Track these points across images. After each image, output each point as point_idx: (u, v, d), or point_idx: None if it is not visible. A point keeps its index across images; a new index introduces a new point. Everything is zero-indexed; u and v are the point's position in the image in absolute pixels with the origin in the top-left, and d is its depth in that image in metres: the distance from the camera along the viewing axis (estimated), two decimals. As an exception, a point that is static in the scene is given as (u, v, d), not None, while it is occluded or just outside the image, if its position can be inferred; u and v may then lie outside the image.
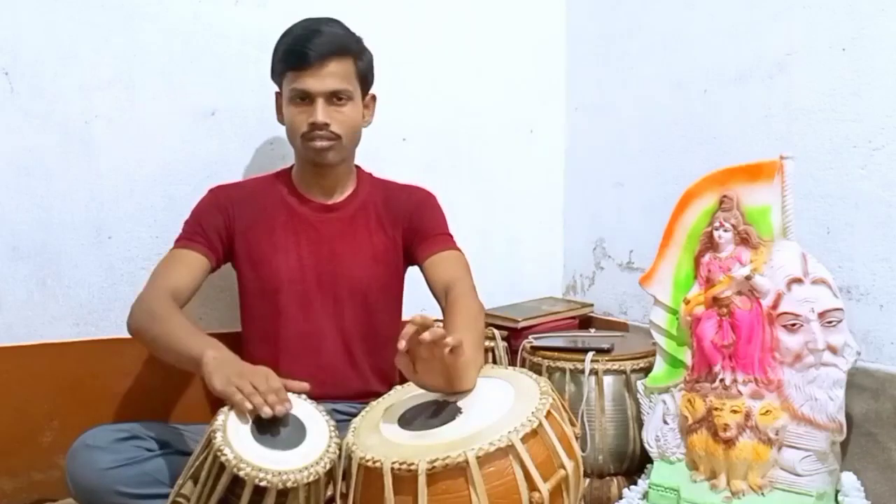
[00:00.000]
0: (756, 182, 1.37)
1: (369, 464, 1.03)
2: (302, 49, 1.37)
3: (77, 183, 1.64)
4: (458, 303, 1.35)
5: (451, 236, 1.53)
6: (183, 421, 1.59)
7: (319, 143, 1.41)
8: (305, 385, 1.17)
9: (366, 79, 1.47)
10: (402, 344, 1.07)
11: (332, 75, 1.39)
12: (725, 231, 1.40)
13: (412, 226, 1.52)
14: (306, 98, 1.40)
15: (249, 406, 1.08)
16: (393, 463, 1.00)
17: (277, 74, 1.45)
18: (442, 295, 1.41)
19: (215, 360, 1.15)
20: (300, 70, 1.38)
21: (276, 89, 1.49)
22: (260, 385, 1.11)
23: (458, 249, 1.51)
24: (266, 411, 1.08)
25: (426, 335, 1.06)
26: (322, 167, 1.47)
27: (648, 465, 1.48)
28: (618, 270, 1.98)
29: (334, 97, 1.40)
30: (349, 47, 1.42)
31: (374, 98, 1.52)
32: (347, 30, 1.45)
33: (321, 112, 1.39)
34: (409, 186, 1.59)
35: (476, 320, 1.33)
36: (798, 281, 1.31)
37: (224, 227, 1.47)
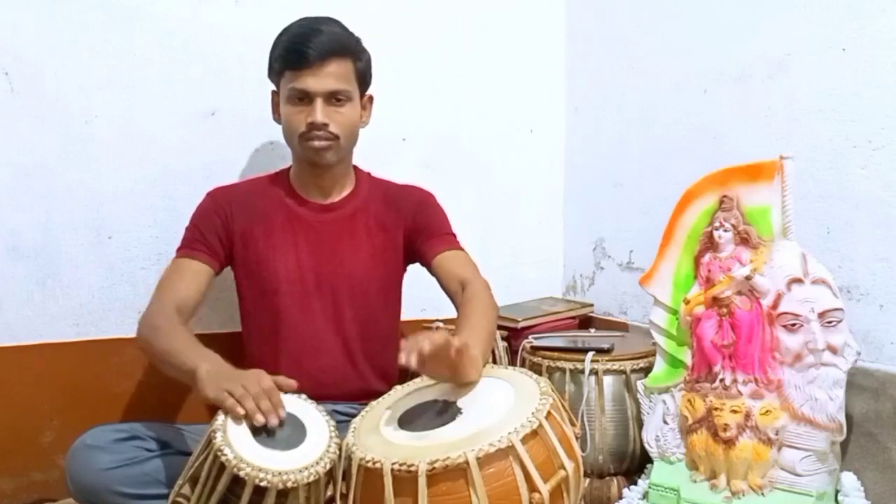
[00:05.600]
0: (756, 182, 1.37)
1: (369, 465, 1.03)
2: (302, 48, 1.36)
3: (77, 183, 1.64)
4: (473, 299, 1.37)
5: (455, 236, 1.54)
6: (183, 421, 1.59)
7: (318, 143, 1.41)
8: (293, 382, 1.16)
9: (364, 79, 1.47)
10: (402, 358, 1.05)
11: (332, 75, 1.39)
12: (725, 231, 1.40)
13: (416, 225, 1.52)
14: (305, 98, 1.39)
15: (241, 411, 1.07)
16: (393, 464, 1.00)
17: (275, 73, 1.44)
18: (457, 290, 1.42)
19: (208, 372, 1.14)
20: (299, 69, 1.38)
21: (273, 88, 1.48)
22: (251, 388, 1.09)
23: (464, 250, 1.52)
24: (259, 419, 1.07)
25: (425, 346, 1.05)
26: (320, 167, 1.46)
27: (648, 465, 1.48)
28: (618, 270, 1.98)
29: (333, 97, 1.40)
30: (349, 47, 1.42)
31: (371, 99, 1.52)
32: (346, 29, 1.44)
33: (320, 112, 1.39)
34: (408, 186, 1.59)
35: (489, 316, 1.35)
36: (798, 281, 1.30)
37: (223, 229, 1.46)
